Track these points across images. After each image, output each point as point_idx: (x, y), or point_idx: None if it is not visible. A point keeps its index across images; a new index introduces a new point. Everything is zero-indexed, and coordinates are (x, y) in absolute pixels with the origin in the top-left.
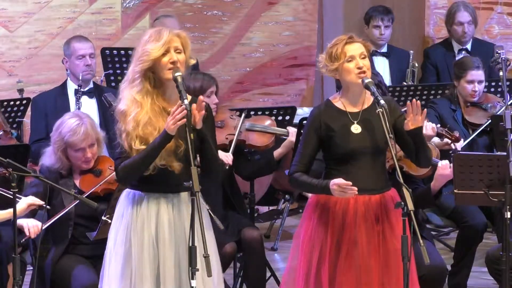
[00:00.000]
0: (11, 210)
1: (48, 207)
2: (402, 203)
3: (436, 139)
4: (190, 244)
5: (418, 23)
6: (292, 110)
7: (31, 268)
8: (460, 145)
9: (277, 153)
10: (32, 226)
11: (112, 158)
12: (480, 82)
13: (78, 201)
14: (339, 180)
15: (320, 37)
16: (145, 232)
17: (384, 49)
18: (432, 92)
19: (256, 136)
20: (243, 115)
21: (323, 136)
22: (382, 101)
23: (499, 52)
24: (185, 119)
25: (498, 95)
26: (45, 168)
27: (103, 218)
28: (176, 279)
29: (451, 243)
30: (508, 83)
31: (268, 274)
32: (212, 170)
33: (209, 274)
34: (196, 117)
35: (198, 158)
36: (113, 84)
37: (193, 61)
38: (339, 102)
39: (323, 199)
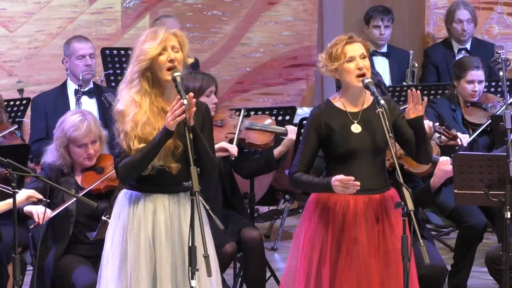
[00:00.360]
0: (9, 201)
1: (48, 200)
2: (402, 203)
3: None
4: (190, 244)
5: (418, 23)
6: (292, 110)
7: (31, 268)
8: (466, 141)
9: (277, 151)
10: (41, 213)
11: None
12: (480, 82)
13: (79, 194)
14: (341, 176)
15: (320, 37)
16: (141, 233)
17: (384, 49)
18: (432, 92)
19: (256, 135)
20: (242, 111)
21: (323, 136)
22: (382, 101)
23: (499, 52)
24: (184, 115)
25: (498, 95)
26: (46, 165)
27: (103, 218)
28: (173, 279)
29: (451, 243)
30: (508, 83)
31: (268, 274)
32: (205, 169)
33: (209, 274)
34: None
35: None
36: (113, 84)
37: (191, 60)
38: (339, 102)
39: (323, 198)
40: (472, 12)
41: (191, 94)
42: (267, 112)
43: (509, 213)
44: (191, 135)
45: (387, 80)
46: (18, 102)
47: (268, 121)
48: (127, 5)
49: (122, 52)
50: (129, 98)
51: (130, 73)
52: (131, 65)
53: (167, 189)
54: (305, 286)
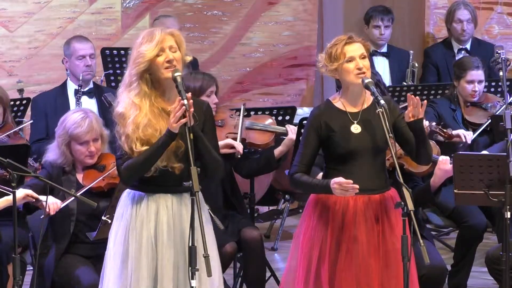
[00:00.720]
0: (6, 198)
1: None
2: (402, 203)
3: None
4: (190, 244)
5: (418, 23)
6: (292, 110)
7: (31, 268)
8: (470, 138)
9: (277, 151)
10: (51, 203)
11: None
12: (480, 82)
13: (80, 193)
14: (340, 179)
15: (320, 37)
16: (144, 232)
17: (384, 49)
18: (432, 92)
19: (256, 134)
20: (242, 108)
21: (323, 136)
22: (382, 101)
23: (499, 52)
24: (187, 117)
25: (498, 95)
26: (48, 163)
27: (103, 218)
28: (174, 279)
29: (451, 243)
30: (508, 83)
31: (268, 274)
32: (208, 168)
33: (209, 274)
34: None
35: None
36: (113, 84)
37: (189, 58)
38: (339, 102)
39: (323, 198)
40: (472, 12)
41: (189, 94)
42: (267, 112)
43: (509, 213)
44: (191, 135)
45: (387, 80)
46: (18, 102)
47: (269, 121)
48: (127, 5)
49: (122, 52)
50: (128, 100)
51: (129, 76)
52: (129, 68)
53: (170, 189)
54: (304, 285)
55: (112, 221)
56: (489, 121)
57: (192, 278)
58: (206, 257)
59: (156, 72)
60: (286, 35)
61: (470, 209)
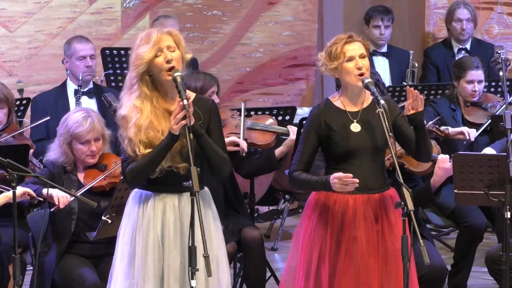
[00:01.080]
0: (5, 194)
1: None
2: (402, 203)
3: (449, 128)
4: (190, 244)
5: (418, 23)
6: (292, 110)
7: (31, 268)
8: (473, 135)
9: (278, 151)
10: (61, 196)
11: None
12: (479, 82)
13: (81, 192)
14: (339, 174)
15: (320, 37)
16: (150, 232)
17: (384, 49)
18: (432, 92)
19: (257, 135)
20: (243, 105)
21: (323, 135)
22: (382, 101)
23: (499, 52)
24: (187, 118)
25: (498, 95)
26: (49, 162)
27: (103, 218)
28: (181, 279)
29: (451, 243)
30: (508, 83)
31: (268, 274)
32: (213, 166)
33: (209, 274)
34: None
35: None
36: (113, 84)
37: (189, 56)
38: (338, 101)
39: (323, 198)
40: (472, 12)
41: (189, 95)
42: (267, 112)
43: (509, 213)
44: (191, 135)
45: (387, 80)
46: (18, 102)
47: (270, 121)
48: (127, 5)
49: (122, 52)
50: (130, 103)
51: (129, 78)
52: (129, 70)
53: (176, 189)
54: (304, 285)
55: (112, 221)
56: (489, 121)
57: (192, 278)
58: (206, 257)
59: (157, 74)
60: (286, 35)
61: (470, 209)
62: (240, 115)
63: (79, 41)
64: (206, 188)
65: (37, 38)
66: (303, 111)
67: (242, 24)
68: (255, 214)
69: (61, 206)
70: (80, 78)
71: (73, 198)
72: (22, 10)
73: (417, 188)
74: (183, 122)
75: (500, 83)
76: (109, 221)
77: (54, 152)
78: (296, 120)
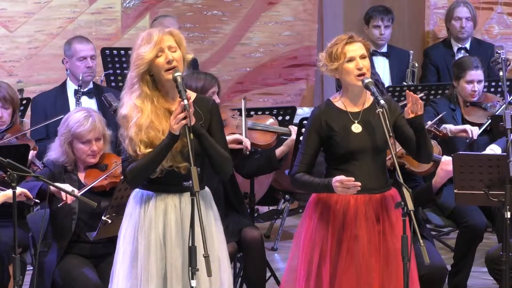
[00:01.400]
0: (3, 193)
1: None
2: (402, 203)
3: (452, 126)
4: (190, 244)
5: (418, 23)
6: (292, 110)
7: (31, 268)
8: (476, 133)
9: (279, 151)
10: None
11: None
12: (479, 82)
13: (81, 192)
14: (341, 177)
15: (320, 37)
16: (152, 232)
17: (384, 49)
18: (432, 92)
19: (258, 135)
20: (243, 102)
21: (324, 136)
22: (382, 101)
23: (499, 52)
24: (187, 118)
25: (498, 95)
26: (50, 161)
27: (103, 218)
28: (184, 278)
29: (451, 243)
30: (508, 83)
31: (268, 274)
32: (215, 165)
33: (209, 274)
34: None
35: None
36: (113, 84)
37: (190, 56)
38: (339, 102)
39: (324, 198)
40: (472, 11)
41: (189, 95)
42: (267, 112)
43: (509, 213)
44: (191, 134)
45: (387, 80)
46: None
47: (270, 121)
48: (127, 5)
49: (122, 52)
50: (131, 103)
51: (130, 78)
52: (130, 70)
53: (177, 189)
54: (305, 284)
55: (112, 221)
56: (489, 121)
57: (193, 278)
58: (206, 257)
59: (157, 74)
60: (286, 35)
61: (470, 209)
62: (240, 115)
63: (79, 42)
64: (207, 189)
65: (37, 38)
66: (303, 111)
67: (242, 24)
68: (255, 214)
69: (69, 201)
70: (80, 78)
71: (80, 193)
72: (22, 10)
73: (418, 188)
74: (184, 122)
75: (500, 83)
76: (109, 221)
77: (55, 151)
78: (296, 120)
